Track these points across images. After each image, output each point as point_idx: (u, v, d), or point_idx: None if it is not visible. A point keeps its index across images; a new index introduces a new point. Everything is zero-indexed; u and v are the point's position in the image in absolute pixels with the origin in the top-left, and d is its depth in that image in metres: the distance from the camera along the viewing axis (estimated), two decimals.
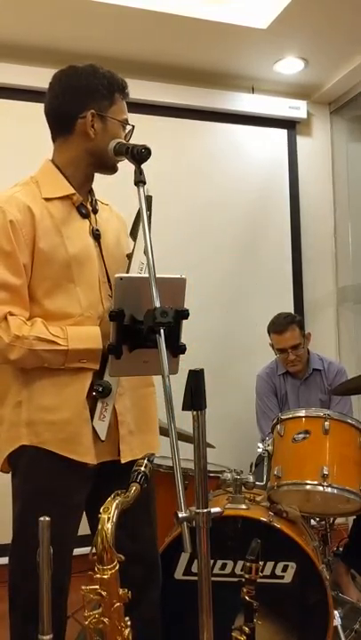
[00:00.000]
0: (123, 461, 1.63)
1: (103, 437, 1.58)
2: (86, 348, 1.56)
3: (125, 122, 1.69)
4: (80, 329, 1.58)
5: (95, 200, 1.74)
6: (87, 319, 1.60)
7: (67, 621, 1.66)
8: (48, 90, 1.68)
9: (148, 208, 1.61)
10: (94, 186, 1.77)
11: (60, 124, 1.66)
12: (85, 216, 1.67)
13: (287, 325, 3.06)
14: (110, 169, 1.69)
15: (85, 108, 1.62)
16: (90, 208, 1.69)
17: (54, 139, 1.70)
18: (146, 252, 1.40)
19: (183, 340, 1.50)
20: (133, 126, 1.70)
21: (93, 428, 1.57)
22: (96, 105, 1.63)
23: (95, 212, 1.71)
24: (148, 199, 1.61)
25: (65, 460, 1.56)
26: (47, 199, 1.60)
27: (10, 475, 1.65)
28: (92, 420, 1.57)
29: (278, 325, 3.08)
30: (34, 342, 1.52)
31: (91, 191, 1.74)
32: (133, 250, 1.66)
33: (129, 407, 1.67)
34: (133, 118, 3.69)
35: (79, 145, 1.65)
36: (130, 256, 1.66)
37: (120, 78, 1.68)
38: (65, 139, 1.67)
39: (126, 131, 1.69)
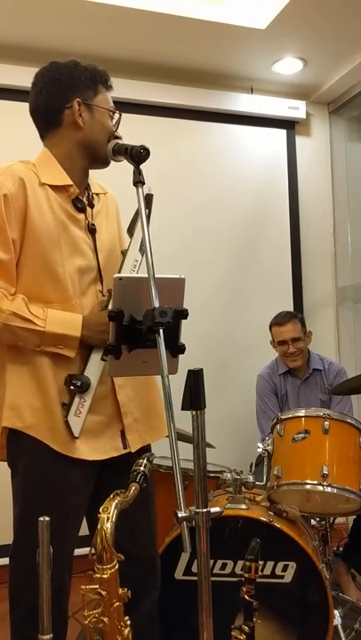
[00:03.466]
0: (133, 450, 1.63)
1: (77, 434, 1.56)
2: (64, 334, 1.54)
3: (113, 110, 1.68)
4: (62, 313, 1.56)
5: (92, 195, 1.73)
6: (71, 307, 1.59)
7: (68, 621, 1.66)
8: (31, 88, 1.67)
9: (148, 206, 1.61)
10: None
11: (48, 119, 1.66)
12: (81, 210, 1.65)
13: (289, 319, 3.11)
14: (102, 162, 1.68)
15: (70, 98, 1.62)
16: (86, 202, 1.68)
17: (44, 136, 1.69)
18: (145, 253, 1.40)
19: (183, 339, 1.50)
20: (120, 114, 1.69)
21: (67, 423, 1.55)
22: (81, 95, 1.63)
23: (92, 206, 1.70)
24: (149, 197, 1.61)
25: (64, 458, 1.55)
26: (43, 185, 1.59)
27: (9, 475, 1.65)
28: (67, 416, 1.55)
29: (280, 318, 3.13)
30: (9, 317, 1.50)
31: (87, 186, 1.73)
32: (129, 246, 1.65)
33: (132, 396, 1.67)
34: (133, 119, 3.69)
35: (70, 136, 1.65)
36: (124, 253, 1.66)
37: (102, 70, 1.69)
38: (55, 132, 1.66)
39: (114, 119, 1.68)
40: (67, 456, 1.55)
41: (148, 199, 1.64)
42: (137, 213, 1.66)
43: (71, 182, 1.64)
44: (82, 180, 1.69)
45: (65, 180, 1.63)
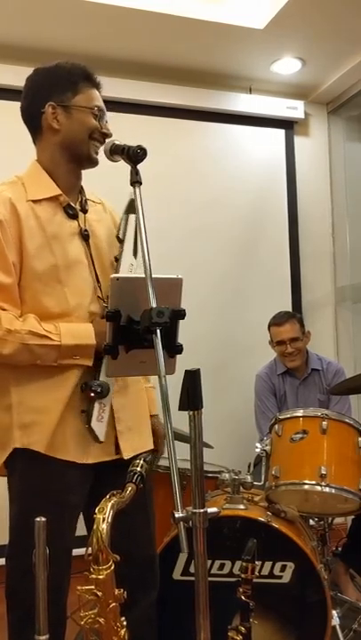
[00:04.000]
0: (126, 458, 1.62)
1: (102, 439, 1.57)
2: (79, 344, 1.55)
3: (93, 108, 1.66)
4: (73, 325, 1.58)
5: (85, 200, 1.73)
6: (76, 319, 1.60)
7: (66, 622, 1.66)
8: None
9: (132, 211, 1.63)
10: (93, 187, 1.77)
11: (31, 126, 1.69)
12: (73, 217, 1.65)
13: (287, 319, 3.11)
14: (87, 160, 1.67)
15: (45, 102, 1.63)
16: (78, 208, 1.68)
17: (34, 143, 1.71)
18: (142, 253, 1.40)
19: (182, 340, 1.49)
20: (102, 109, 1.68)
21: (92, 429, 1.56)
22: (57, 98, 1.63)
23: (85, 212, 1.70)
24: (131, 203, 1.64)
25: (59, 460, 1.55)
26: (33, 201, 1.60)
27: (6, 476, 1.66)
28: (89, 422, 1.56)
29: (278, 318, 3.13)
30: (26, 336, 1.51)
31: (81, 191, 1.74)
32: (122, 252, 1.66)
33: (124, 404, 1.67)
34: (132, 119, 3.68)
35: (50, 140, 1.66)
36: (117, 258, 1.66)
37: (83, 67, 1.68)
38: (40, 138, 1.68)
39: (98, 117, 1.66)
40: (59, 457, 1.56)
41: (131, 204, 1.66)
42: (122, 219, 1.69)
43: (59, 192, 1.64)
44: (72, 184, 1.70)
45: (53, 190, 1.64)
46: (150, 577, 1.74)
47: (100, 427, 1.57)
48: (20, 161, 1.74)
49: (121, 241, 1.68)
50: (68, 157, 1.66)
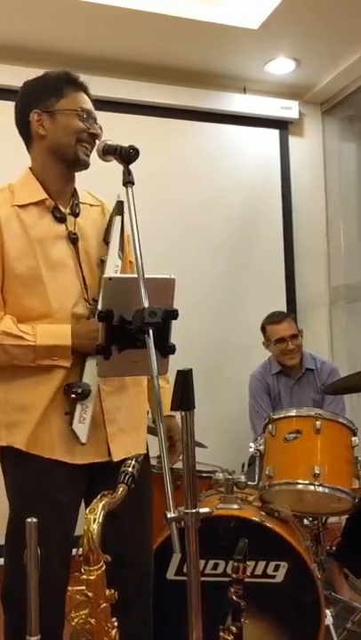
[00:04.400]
0: (115, 460, 1.61)
1: (84, 440, 1.57)
2: (55, 345, 1.56)
3: (77, 109, 1.65)
4: (50, 326, 1.59)
5: (77, 203, 1.72)
6: (57, 321, 1.60)
7: (64, 623, 1.65)
8: None
9: (120, 212, 1.63)
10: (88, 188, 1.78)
11: (23, 135, 1.71)
12: (61, 220, 1.66)
13: (284, 317, 3.13)
14: (76, 162, 1.67)
15: (30, 110, 1.65)
16: (67, 212, 1.68)
17: (28, 151, 1.73)
18: (135, 253, 1.39)
19: (176, 340, 1.49)
20: (88, 110, 1.66)
21: (73, 431, 1.56)
22: (42, 104, 1.65)
23: (75, 215, 1.70)
24: (120, 204, 1.66)
25: (46, 459, 1.56)
26: (20, 206, 1.62)
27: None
28: (71, 424, 1.56)
29: (275, 317, 3.13)
30: (0, 337, 1.53)
31: (74, 194, 1.74)
32: (107, 254, 1.67)
33: (119, 406, 1.67)
34: (126, 118, 3.67)
35: (39, 147, 1.67)
36: (103, 260, 1.67)
37: (67, 72, 1.69)
38: (31, 146, 1.70)
39: (84, 118, 1.65)
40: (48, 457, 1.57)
41: (120, 206, 1.68)
42: (110, 221, 1.70)
43: (45, 196, 1.65)
44: (63, 189, 1.70)
45: (40, 195, 1.65)
46: (145, 579, 1.73)
47: (81, 428, 1.57)
48: (20, 161, 1.74)
49: (107, 242, 1.68)
50: (57, 161, 1.67)
